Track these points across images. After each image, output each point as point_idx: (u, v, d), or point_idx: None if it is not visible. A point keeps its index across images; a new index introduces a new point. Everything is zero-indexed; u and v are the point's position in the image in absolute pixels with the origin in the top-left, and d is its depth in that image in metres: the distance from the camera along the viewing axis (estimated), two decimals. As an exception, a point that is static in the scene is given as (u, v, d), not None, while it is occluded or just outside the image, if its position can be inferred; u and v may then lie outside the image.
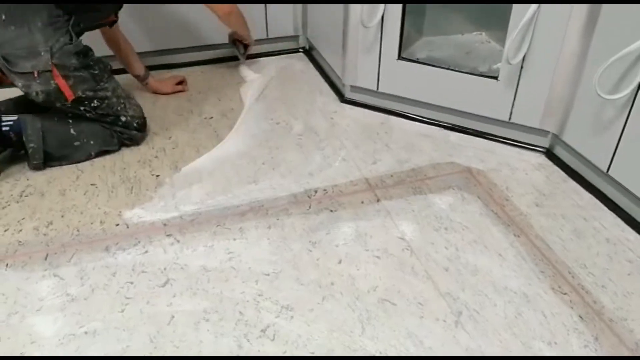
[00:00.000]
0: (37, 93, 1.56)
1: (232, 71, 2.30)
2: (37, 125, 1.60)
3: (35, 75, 1.53)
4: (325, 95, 2.11)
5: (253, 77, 2.24)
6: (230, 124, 1.90)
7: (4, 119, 1.60)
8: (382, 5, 1.74)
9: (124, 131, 1.73)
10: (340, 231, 1.41)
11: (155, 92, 2.08)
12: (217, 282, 1.26)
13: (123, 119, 1.71)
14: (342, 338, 1.12)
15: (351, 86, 2.01)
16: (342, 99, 2.06)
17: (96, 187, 1.58)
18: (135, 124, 1.74)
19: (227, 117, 1.95)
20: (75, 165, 1.67)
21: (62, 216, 1.47)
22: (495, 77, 1.69)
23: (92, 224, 1.44)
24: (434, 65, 1.81)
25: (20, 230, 1.42)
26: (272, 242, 1.38)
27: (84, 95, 1.61)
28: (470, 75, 1.75)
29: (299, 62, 2.39)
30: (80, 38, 1.64)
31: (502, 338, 1.12)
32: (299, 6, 2.37)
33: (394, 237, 1.39)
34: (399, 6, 1.74)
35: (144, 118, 1.79)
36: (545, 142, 1.72)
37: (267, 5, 2.31)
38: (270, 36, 2.40)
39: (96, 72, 1.63)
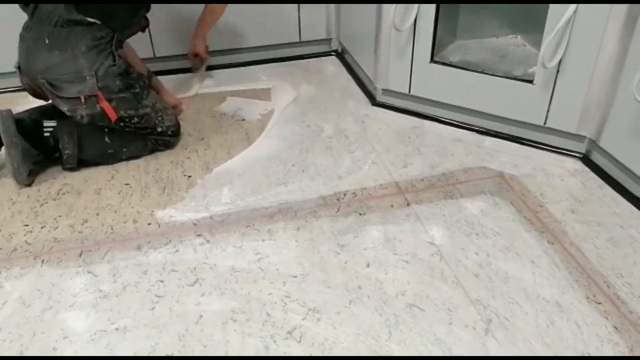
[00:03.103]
0: (82, 116, 1.58)
1: (264, 74, 2.31)
2: (74, 133, 1.64)
3: (82, 100, 1.55)
4: (357, 98, 2.10)
5: (285, 80, 2.25)
6: (262, 126, 1.91)
7: (45, 124, 1.64)
8: (415, 9, 1.73)
9: (159, 138, 1.75)
10: (368, 235, 1.41)
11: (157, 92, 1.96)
12: (245, 282, 1.27)
13: (159, 129, 1.73)
14: (368, 342, 1.11)
15: (383, 89, 2.01)
16: (374, 102, 2.05)
17: (130, 187, 1.61)
18: (170, 132, 1.77)
19: (258, 119, 1.96)
20: (111, 165, 1.71)
21: (97, 214, 1.50)
22: (531, 81, 1.66)
23: (125, 222, 1.47)
24: (468, 69, 1.79)
25: (57, 228, 1.46)
26: (300, 244, 1.38)
27: (126, 115, 1.63)
28: (505, 79, 1.72)
29: (331, 65, 2.39)
30: (121, 58, 1.63)
31: (533, 347, 1.10)
32: (332, 10, 2.37)
33: (424, 242, 1.38)
34: (432, 9, 1.73)
35: (179, 124, 1.82)
36: (581, 147, 1.68)
37: (300, 9, 2.32)
38: (303, 39, 2.41)
39: (137, 90, 1.64)
